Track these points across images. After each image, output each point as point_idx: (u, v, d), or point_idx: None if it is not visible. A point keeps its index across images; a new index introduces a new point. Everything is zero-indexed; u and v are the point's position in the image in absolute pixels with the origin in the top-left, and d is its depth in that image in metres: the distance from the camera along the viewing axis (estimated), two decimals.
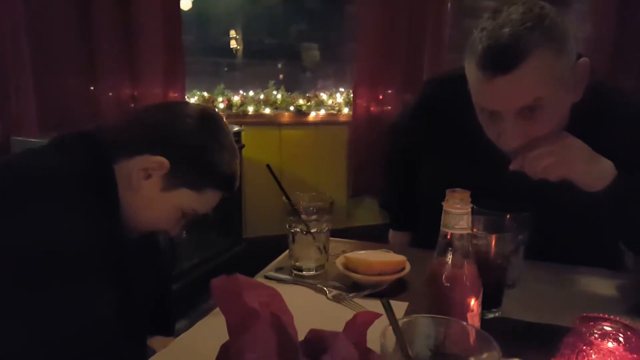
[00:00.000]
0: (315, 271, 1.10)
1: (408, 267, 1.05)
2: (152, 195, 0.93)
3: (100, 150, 0.91)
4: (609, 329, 0.61)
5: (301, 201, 1.11)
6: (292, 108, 3.26)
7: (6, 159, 0.89)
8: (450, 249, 0.71)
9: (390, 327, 0.57)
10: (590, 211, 1.02)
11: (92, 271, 0.80)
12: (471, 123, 1.08)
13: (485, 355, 0.55)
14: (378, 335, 0.56)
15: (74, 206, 0.81)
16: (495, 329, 0.59)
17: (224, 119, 1.01)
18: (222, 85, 3.24)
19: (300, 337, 0.58)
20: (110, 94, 2.66)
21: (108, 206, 0.89)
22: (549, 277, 1.08)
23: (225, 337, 0.57)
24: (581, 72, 0.98)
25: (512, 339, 0.63)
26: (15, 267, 0.73)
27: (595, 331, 0.61)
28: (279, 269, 1.11)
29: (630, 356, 0.57)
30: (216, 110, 1.07)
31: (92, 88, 2.65)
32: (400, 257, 1.05)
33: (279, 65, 3.70)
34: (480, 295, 0.72)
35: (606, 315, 0.62)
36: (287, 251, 1.15)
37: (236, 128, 2.78)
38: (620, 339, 0.59)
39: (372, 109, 3.31)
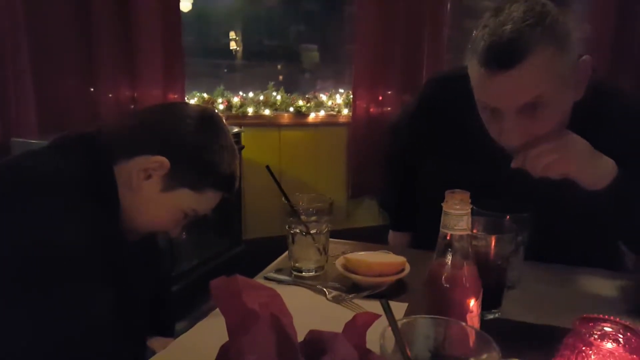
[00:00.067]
0: (315, 272, 1.10)
1: (408, 268, 1.04)
2: (153, 196, 0.93)
3: (99, 152, 0.92)
4: (608, 329, 0.61)
5: (300, 202, 1.11)
6: (291, 109, 3.26)
7: (6, 160, 0.89)
8: (449, 249, 0.71)
9: (390, 328, 0.57)
10: (590, 211, 1.02)
11: (92, 272, 0.80)
12: (472, 123, 1.08)
13: (484, 356, 0.55)
14: (378, 336, 0.56)
15: (74, 207, 0.81)
16: (495, 330, 0.59)
17: (224, 120, 1.01)
18: (221, 87, 3.24)
19: (300, 338, 0.58)
20: (110, 95, 2.66)
21: (108, 207, 0.89)
22: (549, 278, 1.08)
23: (224, 338, 0.57)
24: (583, 70, 0.98)
25: (511, 339, 0.63)
26: (15, 268, 0.73)
27: (595, 332, 0.61)
28: (278, 270, 1.11)
29: (630, 357, 0.57)
30: (216, 111, 1.07)
31: (91, 89, 2.64)
32: (400, 258, 1.05)
33: (279, 67, 3.70)
34: (480, 296, 0.72)
35: (606, 316, 0.61)
36: (286, 252, 1.15)
37: (236, 129, 2.78)
38: (620, 339, 0.59)
39: (371, 110, 3.31)
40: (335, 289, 1.02)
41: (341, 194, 3.41)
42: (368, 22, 3.20)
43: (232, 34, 3.61)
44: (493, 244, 0.87)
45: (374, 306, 0.74)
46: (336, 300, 0.98)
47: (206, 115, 0.98)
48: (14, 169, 0.86)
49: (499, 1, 0.97)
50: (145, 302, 1.04)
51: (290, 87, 3.46)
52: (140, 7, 2.61)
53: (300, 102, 3.29)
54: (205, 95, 3.17)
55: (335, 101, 3.40)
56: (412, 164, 1.42)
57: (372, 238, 1.33)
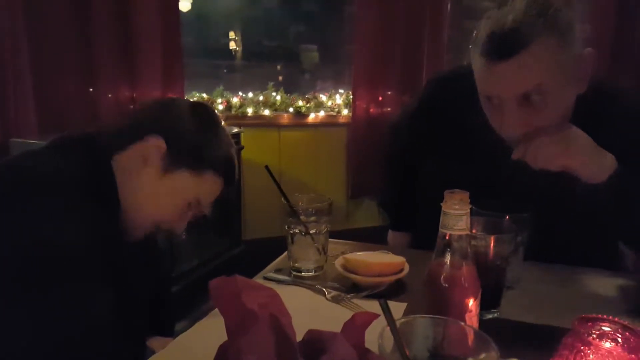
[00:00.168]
0: (314, 272, 1.10)
1: (407, 268, 1.05)
2: (153, 181, 0.93)
3: (99, 152, 0.92)
4: (607, 329, 0.61)
5: (300, 202, 1.11)
6: (291, 109, 3.26)
7: (6, 160, 0.89)
8: (448, 249, 0.71)
9: (388, 328, 0.57)
10: (590, 211, 1.02)
11: (92, 272, 0.80)
12: (472, 123, 1.08)
13: (483, 356, 0.55)
14: (377, 336, 0.56)
15: (74, 207, 0.81)
16: (494, 330, 0.59)
17: (219, 116, 1.03)
18: (221, 87, 3.24)
19: (299, 337, 0.59)
20: (109, 95, 2.66)
21: (108, 207, 0.89)
22: (548, 278, 1.08)
23: (223, 338, 0.57)
24: (586, 63, 0.99)
25: (510, 339, 0.63)
26: (15, 268, 0.73)
27: (594, 331, 0.61)
28: (278, 270, 1.11)
29: (628, 356, 0.57)
30: (209, 105, 1.08)
31: (91, 90, 2.64)
32: (399, 259, 1.05)
33: (278, 67, 3.70)
34: (479, 296, 0.72)
35: (604, 316, 0.61)
36: (286, 252, 1.15)
37: (235, 129, 2.78)
38: (619, 339, 0.59)
39: (371, 110, 3.31)
40: (334, 289, 1.02)
41: (341, 194, 3.41)
42: (368, 22, 3.20)
43: (231, 34, 3.61)
44: (492, 244, 0.87)
45: (373, 306, 0.74)
46: (335, 300, 0.98)
47: (200, 105, 1.02)
48: (14, 169, 0.86)
49: (499, 1, 0.98)
50: (145, 302, 1.04)
51: (290, 87, 3.46)
52: (139, 8, 2.61)
53: (300, 103, 3.29)
54: (204, 95, 3.17)
55: (335, 101, 3.40)
56: (412, 163, 1.42)
57: (371, 238, 1.34)
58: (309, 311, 0.93)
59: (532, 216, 0.99)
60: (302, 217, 1.08)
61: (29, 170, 0.85)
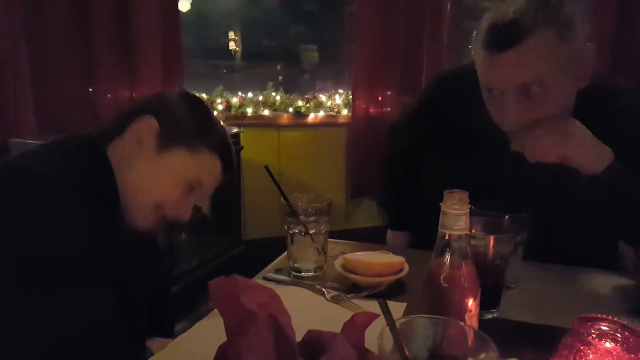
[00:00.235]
0: (314, 272, 1.10)
1: (407, 268, 1.05)
2: (150, 160, 0.92)
3: (98, 152, 0.92)
4: (606, 329, 0.61)
5: (300, 202, 1.11)
6: (291, 109, 3.26)
7: (6, 160, 0.89)
8: (448, 249, 0.71)
9: (388, 328, 0.57)
10: (590, 211, 1.02)
11: (92, 272, 0.80)
12: (472, 123, 1.08)
13: (483, 356, 0.55)
14: (376, 336, 0.56)
15: (74, 207, 0.81)
16: (494, 330, 0.59)
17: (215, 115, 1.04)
18: (220, 87, 3.24)
19: (299, 338, 0.59)
20: (109, 95, 2.66)
21: (108, 207, 0.89)
22: (548, 278, 1.08)
23: (223, 338, 0.57)
24: (587, 58, 0.99)
25: (510, 339, 0.63)
26: (15, 268, 0.73)
27: (593, 331, 0.61)
28: (277, 270, 1.11)
29: (627, 356, 0.57)
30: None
31: (90, 90, 2.64)
32: (399, 258, 1.05)
33: (278, 67, 3.70)
34: (479, 295, 0.72)
35: (604, 316, 0.62)
36: (285, 252, 1.15)
37: (235, 129, 2.78)
38: (618, 339, 0.59)
39: (371, 110, 3.31)
40: (334, 289, 1.02)
41: (340, 194, 3.41)
42: (368, 22, 3.19)
43: (231, 34, 3.61)
44: (492, 244, 0.87)
45: (373, 306, 0.74)
46: (335, 300, 0.98)
47: (189, 93, 1.03)
48: (14, 169, 0.86)
49: (498, 2, 0.98)
50: (145, 302, 1.04)
51: (290, 87, 3.46)
52: (139, 8, 2.61)
53: (300, 103, 3.29)
54: (204, 95, 3.17)
55: (335, 101, 3.40)
56: (412, 163, 1.43)
57: (371, 238, 1.34)
58: (309, 311, 0.93)
59: (531, 216, 0.99)
60: (301, 217, 1.08)
61: (29, 170, 0.85)
